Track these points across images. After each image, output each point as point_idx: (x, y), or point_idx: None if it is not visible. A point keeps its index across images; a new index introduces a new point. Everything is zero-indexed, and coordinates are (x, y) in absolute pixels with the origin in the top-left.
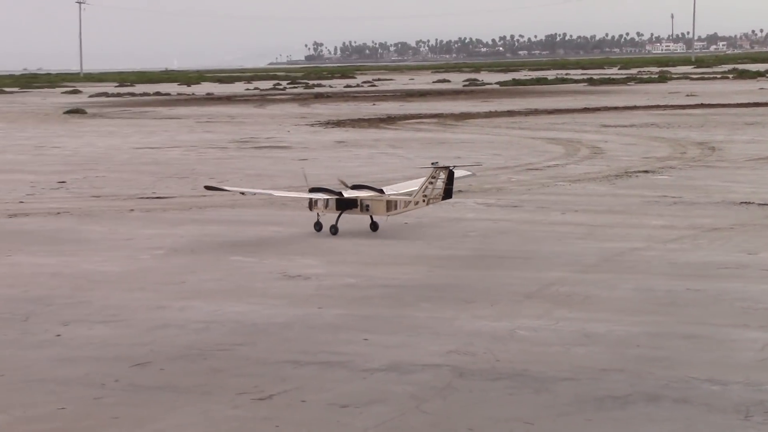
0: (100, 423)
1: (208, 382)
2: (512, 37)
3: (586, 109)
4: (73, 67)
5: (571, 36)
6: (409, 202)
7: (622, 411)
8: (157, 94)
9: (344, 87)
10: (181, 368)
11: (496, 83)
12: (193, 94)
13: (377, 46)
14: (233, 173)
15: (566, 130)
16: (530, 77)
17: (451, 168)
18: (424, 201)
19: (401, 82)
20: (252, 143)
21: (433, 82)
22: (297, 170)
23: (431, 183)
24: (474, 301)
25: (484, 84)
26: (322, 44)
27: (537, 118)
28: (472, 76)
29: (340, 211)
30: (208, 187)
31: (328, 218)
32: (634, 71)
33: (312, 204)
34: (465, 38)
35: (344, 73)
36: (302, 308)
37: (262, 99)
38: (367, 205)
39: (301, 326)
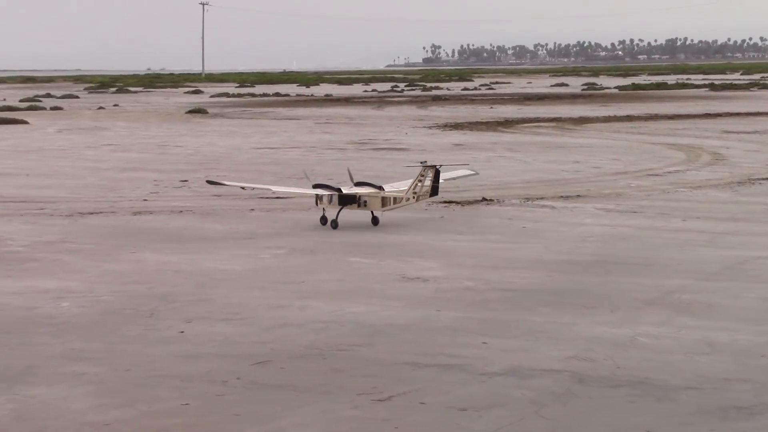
0: (222, 419)
1: (327, 381)
2: (632, 41)
3: (707, 115)
4: (195, 67)
5: (692, 40)
6: (401, 198)
7: (747, 422)
8: (277, 94)
9: (462, 90)
10: (301, 367)
11: (615, 87)
12: (312, 95)
13: (495, 49)
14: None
15: (687, 135)
16: (650, 82)
17: (437, 167)
18: (414, 197)
19: (519, 85)
20: (370, 145)
21: (551, 85)
22: (414, 172)
23: (420, 181)
24: (594, 306)
25: (602, 88)
26: (440, 47)
27: (657, 123)
28: (591, 80)
29: (340, 207)
30: (210, 182)
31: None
32: (757, 76)
33: (318, 200)
34: (584, 42)
35: (462, 76)
36: (421, 310)
37: (380, 101)
38: (365, 201)
39: (420, 328)
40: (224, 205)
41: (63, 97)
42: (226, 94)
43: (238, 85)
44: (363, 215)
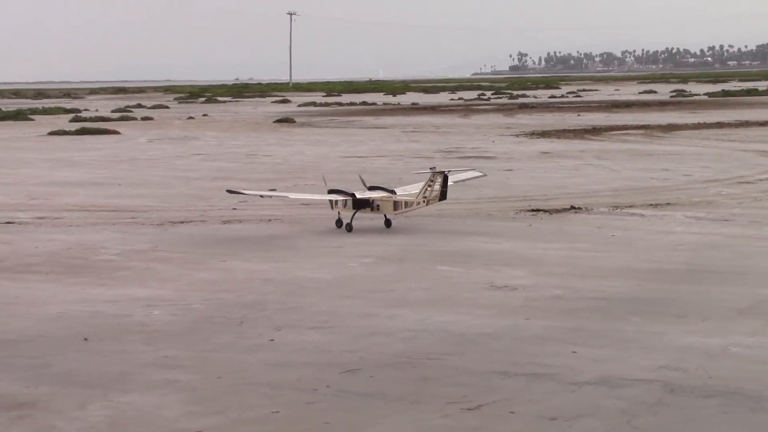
0: (312, 428)
1: (417, 390)
2: (721, 47)
3: None
4: (283, 77)
5: None
6: (412, 202)
7: None
8: (364, 103)
9: (548, 97)
10: (390, 376)
11: (705, 94)
12: (398, 103)
13: (582, 56)
14: None
15: None
16: (740, 88)
17: (446, 173)
18: (424, 201)
19: (606, 92)
20: (457, 153)
21: (639, 92)
22: (503, 180)
23: (430, 186)
24: (685, 315)
25: (691, 95)
26: (526, 54)
27: (748, 130)
28: (680, 86)
29: (354, 210)
30: (230, 191)
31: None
32: None
33: (333, 204)
34: (672, 48)
35: (548, 83)
36: (510, 319)
37: (466, 109)
38: (378, 205)
39: (509, 337)
40: (312, 214)
41: (153, 107)
42: (314, 104)
43: (325, 94)
44: (377, 219)
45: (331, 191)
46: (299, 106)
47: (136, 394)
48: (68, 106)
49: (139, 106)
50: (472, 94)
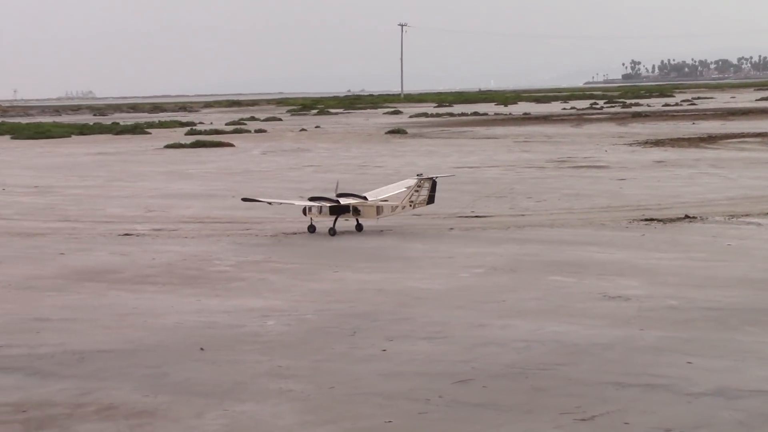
0: None
1: (529, 401)
2: None
3: None
4: (394, 88)
5: None
6: (396, 206)
7: None
8: (475, 113)
9: (662, 106)
10: (503, 386)
11: None
12: (510, 113)
13: (696, 63)
14: (550, 192)
15: None
16: None
17: (434, 179)
18: (411, 206)
19: (722, 100)
20: (569, 163)
21: (756, 99)
22: (616, 190)
23: (417, 191)
24: None
25: None
26: (639, 63)
27: None
28: None
29: (335, 216)
30: (245, 199)
31: (327, 222)
32: None
33: (306, 210)
34: None
35: (662, 91)
36: (623, 329)
37: (578, 118)
38: (359, 210)
39: (623, 348)
40: (424, 224)
41: (267, 119)
42: (425, 114)
43: (436, 104)
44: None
45: (312, 198)
46: (410, 117)
47: (252, 403)
48: (184, 119)
49: (253, 118)
50: (584, 104)
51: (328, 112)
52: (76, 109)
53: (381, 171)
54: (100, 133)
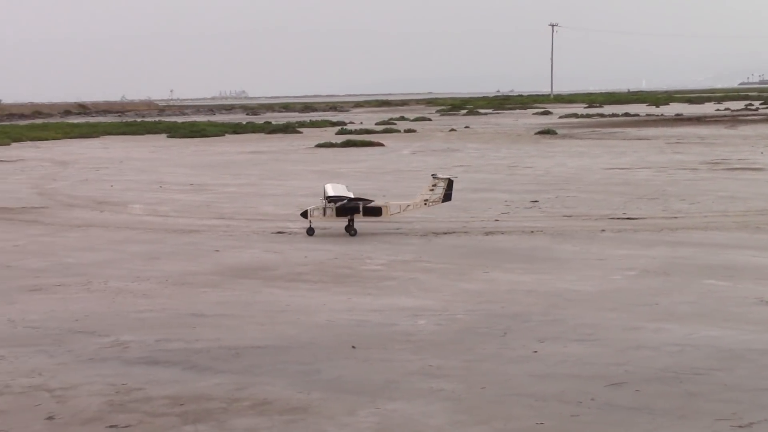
0: None
1: (684, 405)
2: None
3: None
4: (544, 88)
5: None
6: (408, 205)
7: None
8: (626, 114)
9: None
10: (656, 390)
11: None
12: (661, 114)
13: None
14: (704, 195)
15: None
16: None
17: (451, 178)
18: (424, 204)
19: None
20: (723, 165)
21: None
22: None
23: (432, 190)
24: None
25: None
26: None
27: None
28: None
29: (345, 216)
30: None
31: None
32: None
33: (308, 213)
34: None
35: None
36: None
37: (733, 120)
38: (370, 210)
39: None
40: (575, 226)
41: (416, 119)
42: (575, 115)
43: (586, 105)
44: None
45: (329, 199)
46: (560, 117)
47: (403, 402)
48: (334, 118)
49: (402, 118)
50: (740, 104)
51: (477, 112)
52: (229, 108)
53: (531, 172)
54: (253, 132)
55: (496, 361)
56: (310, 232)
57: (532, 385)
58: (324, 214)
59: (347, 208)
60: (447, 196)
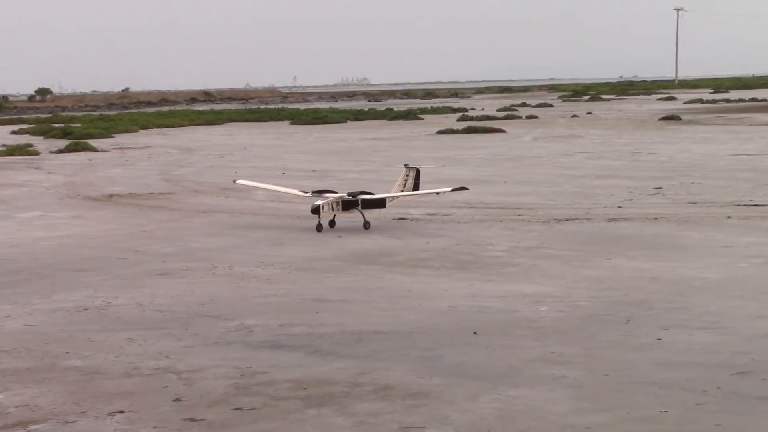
0: (702, 428)
1: None
2: None
3: None
4: (668, 74)
5: None
6: (395, 197)
7: None
8: (753, 100)
9: None
10: None
11: None
12: None
13: None
14: None
15: None
16: None
17: (418, 168)
18: (402, 192)
19: None
20: None
21: None
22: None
23: (406, 179)
24: None
25: None
26: None
27: None
28: None
29: (352, 210)
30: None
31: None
32: None
33: (319, 209)
34: None
35: None
36: None
37: None
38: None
39: None
40: (700, 213)
41: (538, 105)
42: (700, 100)
43: (712, 90)
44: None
45: (315, 192)
46: (685, 103)
47: (525, 388)
48: (455, 105)
49: (524, 104)
50: None
51: (599, 98)
52: (351, 95)
53: (654, 158)
54: (375, 118)
55: (619, 349)
56: (319, 227)
57: (656, 373)
58: (332, 209)
59: (350, 203)
60: (416, 186)
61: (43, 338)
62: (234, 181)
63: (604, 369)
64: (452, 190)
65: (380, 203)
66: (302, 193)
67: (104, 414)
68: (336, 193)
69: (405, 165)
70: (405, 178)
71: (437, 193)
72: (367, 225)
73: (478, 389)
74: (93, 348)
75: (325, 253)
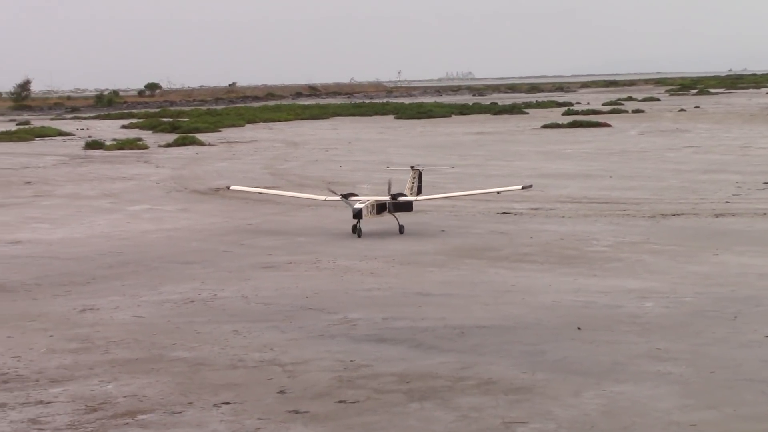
0: None
1: None
2: None
3: None
4: None
5: None
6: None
7: None
8: None
9: None
10: None
11: None
12: None
13: None
14: None
15: None
16: None
17: (420, 170)
18: (412, 195)
19: None
20: None
21: None
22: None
23: (413, 182)
24: None
25: None
26: None
27: None
28: None
29: (386, 213)
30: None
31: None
32: None
33: (360, 213)
34: None
35: None
36: None
37: None
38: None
39: None
40: None
41: (644, 99)
42: None
43: None
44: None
45: (344, 195)
46: None
47: (629, 385)
48: (560, 99)
49: (630, 98)
50: None
51: (707, 92)
52: (456, 89)
53: (764, 153)
54: (479, 113)
55: (725, 346)
56: (359, 232)
57: (764, 370)
58: (369, 213)
59: (383, 205)
60: (419, 189)
61: (151, 329)
62: (227, 187)
63: (711, 366)
64: (522, 188)
65: (407, 206)
66: (327, 197)
67: (210, 405)
68: (357, 195)
69: (411, 167)
70: (412, 180)
71: (498, 192)
72: (401, 229)
73: (582, 385)
74: (199, 340)
75: (428, 247)
